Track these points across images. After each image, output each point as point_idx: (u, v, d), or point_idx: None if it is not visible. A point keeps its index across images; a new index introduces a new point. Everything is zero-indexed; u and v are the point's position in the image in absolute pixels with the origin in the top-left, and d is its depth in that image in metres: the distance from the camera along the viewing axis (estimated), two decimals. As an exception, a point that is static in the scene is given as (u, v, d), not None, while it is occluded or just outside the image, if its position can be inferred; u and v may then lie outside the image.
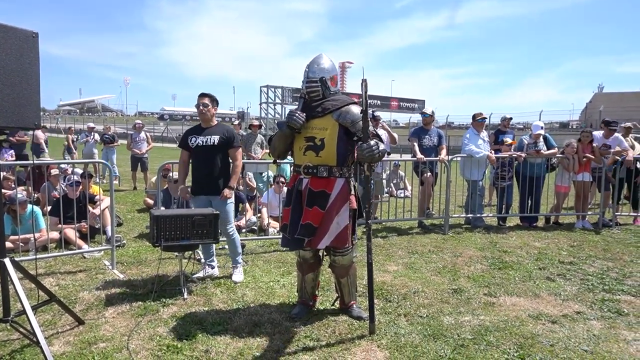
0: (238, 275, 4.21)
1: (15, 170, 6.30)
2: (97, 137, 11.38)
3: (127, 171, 11.35)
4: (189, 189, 4.23)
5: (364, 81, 2.98)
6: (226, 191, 4.14)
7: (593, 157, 6.77)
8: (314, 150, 3.18)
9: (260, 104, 36.17)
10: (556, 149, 6.93)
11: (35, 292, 3.21)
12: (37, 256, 4.28)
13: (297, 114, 3.14)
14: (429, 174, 6.58)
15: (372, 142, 3.00)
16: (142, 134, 10.37)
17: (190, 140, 4.12)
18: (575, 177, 6.82)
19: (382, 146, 3.07)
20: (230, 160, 4.26)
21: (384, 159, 3.34)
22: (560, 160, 6.86)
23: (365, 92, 2.99)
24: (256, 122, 9.27)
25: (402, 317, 3.42)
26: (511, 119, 7.61)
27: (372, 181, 6.71)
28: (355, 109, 3.21)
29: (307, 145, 3.20)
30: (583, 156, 6.73)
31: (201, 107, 4.11)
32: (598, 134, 7.31)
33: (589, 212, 7.09)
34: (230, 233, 4.26)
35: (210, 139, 4.10)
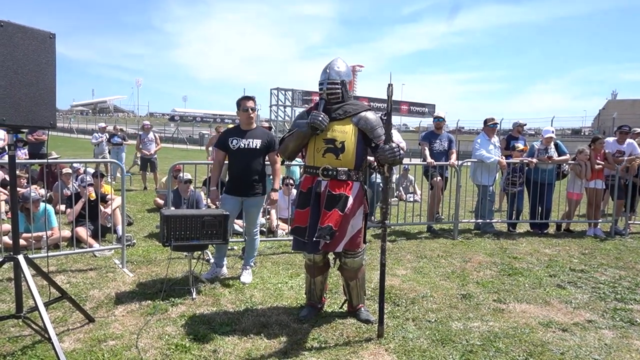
0: (247, 276, 4.23)
1: (29, 168, 6.38)
2: (107, 136, 11.50)
3: (136, 171, 11.45)
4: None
5: (390, 85, 3.02)
6: (273, 194, 4.26)
7: (604, 164, 6.69)
8: (334, 152, 3.18)
9: (270, 107, 36.34)
10: (568, 155, 6.86)
11: (47, 289, 3.25)
12: (49, 254, 4.33)
13: (322, 116, 3.12)
14: (438, 178, 6.55)
15: (394, 145, 3.03)
16: (151, 135, 10.47)
17: (232, 142, 4.13)
18: (588, 184, 6.75)
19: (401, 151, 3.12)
20: (269, 163, 4.33)
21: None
22: (572, 167, 6.79)
23: (390, 96, 3.02)
24: (266, 124, 9.32)
25: (411, 322, 3.41)
26: (525, 125, 7.56)
27: (381, 184, 6.70)
28: (372, 116, 3.26)
29: (326, 147, 3.18)
30: (596, 163, 6.66)
31: (250, 111, 4.15)
32: (610, 139, 7.23)
33: (601, 220, 7.00)
34: (255, 233, 4.31)
35: (253, 142, 4.14)
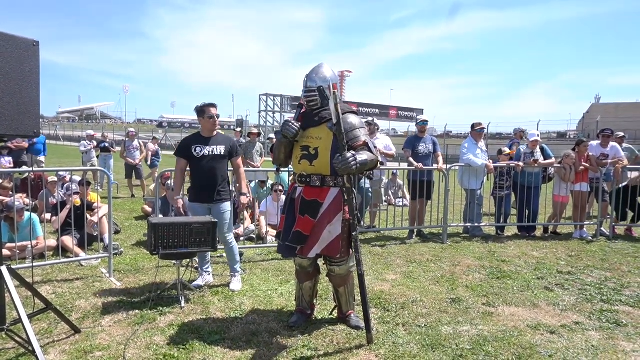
0: (236, 284, 4.20)
1: (12, 177, 6.28)
2: (95, 143, 11.39)
3: (123, 179, 11.31)
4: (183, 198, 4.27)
5: (334, 94, 2.95)
6: (243, 199, 4.29)
7: (589, 165, 6.81)
8: (308, 159, 3.20)
9: (260, 112, 36.28)
10: (553, 159, 6.96)
11: (32, 300, 3.19)
12: (34, 264, 4.25)
13: (291, 123, 3.17)
14: (417, 203, 6.60)
15: (349, 155, 2.91)
16: (136, 142, 10.39)
17: (195, 150, 4.10)
18: (573, 187, 6.85)
19: (362, 157, 2.98)
20: (233, 169, 4.36)
21: (382, 167, 3.33)
22: (557, 170, 6.89)
23: (336, 104, 2.92)
24: (255, 130, 9.34)
25: (401, 327, 3.41)
26: (524, 130, 7.66)
27: (370, 190, 6.71)
28: (351, 118, 3.21)
29: (302, 154, 3.22)
30: (580, 165, 6.76)
31: (215, 118, 4.15)
32: (594, 143, 7.35)
33: (587, 222, 7.10)
34: (229, 241, 4.26)
35: (217, 149, 4.14)
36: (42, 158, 9.89)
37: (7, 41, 2.54)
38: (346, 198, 3.14)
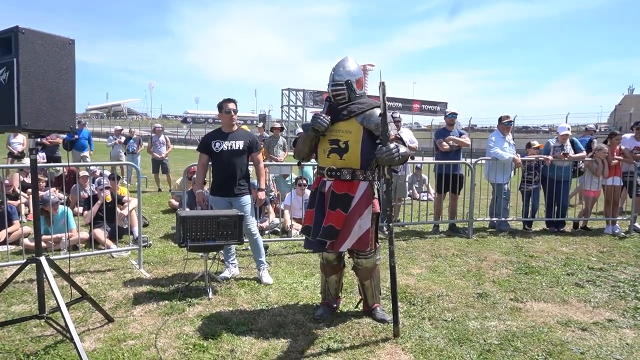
0: (266, 277, 4.24)
1: (47, 172, 6.51)
2: (123, 139, 11.66)
3: (150, 173, 11.56)
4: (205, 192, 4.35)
5: (382, 84, 2.96)
6: (261, 194, 4.36)
7: (622, 158, 6.59)
8: (337, 153, 3.20)
9: (282, 107, 36.48)
10: (584, 152, 6.76)
11: (67, 290, 3.32)
12: (70, 255, 4.41)
13: (322, 117, 3.16)
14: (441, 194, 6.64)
15: (392, 145, 2.98)
16: (162, 137, 10.60)
17: (215, 145, 4.19)
18: (605, 182, 6.64)
19: (402, 149, 3.05)
20: (252, 164, 4.40)
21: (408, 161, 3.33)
22: (587, 164, 6.69)
23: (384, 95, 2.97)
24: (278, 125, 9.41)
25: (427, 321, 3.39)
26: (595, 130, 7.50)
27: (394, 184, 6.68)
28: (379, 112, 3.20)
29: (331, 148, 3.22)
30: (613, 158, 6.55)
31: (232, 113, 4.21)
32: (627, 136, 7.11)
33: (620, 218, 6.88)
34: (253, 232, 4.32)
35: (236, 144, 4.20)
36: (85, 153, 10.24)
37: (45, 40, 2.63)
38: (385, 189, 3.16)
